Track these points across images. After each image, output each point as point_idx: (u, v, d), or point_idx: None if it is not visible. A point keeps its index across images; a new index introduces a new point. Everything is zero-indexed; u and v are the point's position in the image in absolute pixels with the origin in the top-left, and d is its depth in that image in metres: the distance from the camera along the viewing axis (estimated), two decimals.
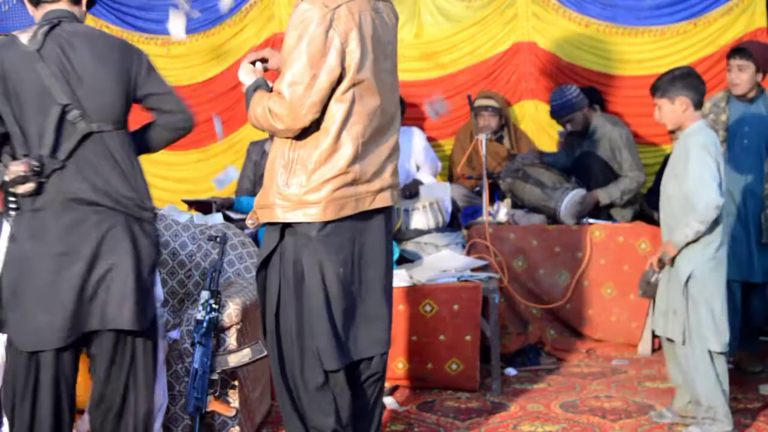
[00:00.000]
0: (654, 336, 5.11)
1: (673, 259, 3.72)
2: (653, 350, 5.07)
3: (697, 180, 3.62)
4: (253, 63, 3.06)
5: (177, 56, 6.29)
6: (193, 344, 3.30)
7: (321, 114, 2.83)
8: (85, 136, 2.89)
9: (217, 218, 4.88)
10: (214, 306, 3.32)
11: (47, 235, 2.87)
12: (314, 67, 2.76)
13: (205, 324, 3.29)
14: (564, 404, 4.22)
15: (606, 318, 5.13)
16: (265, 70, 3.07)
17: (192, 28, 6.34)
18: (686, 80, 3.75)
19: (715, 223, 3.64)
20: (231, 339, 3.47)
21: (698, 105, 3.74)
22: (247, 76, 3.02)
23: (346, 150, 2.85)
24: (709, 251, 3.66)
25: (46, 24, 2.92)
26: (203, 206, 5.18)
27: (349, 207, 2.88)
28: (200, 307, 3.33)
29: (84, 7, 3.06)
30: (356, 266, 2.94)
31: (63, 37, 2.90)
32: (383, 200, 2.97)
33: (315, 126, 2.85)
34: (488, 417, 4.07)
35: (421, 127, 6.19)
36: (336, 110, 2.83)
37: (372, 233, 2.98)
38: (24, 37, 2.89)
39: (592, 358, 5.00)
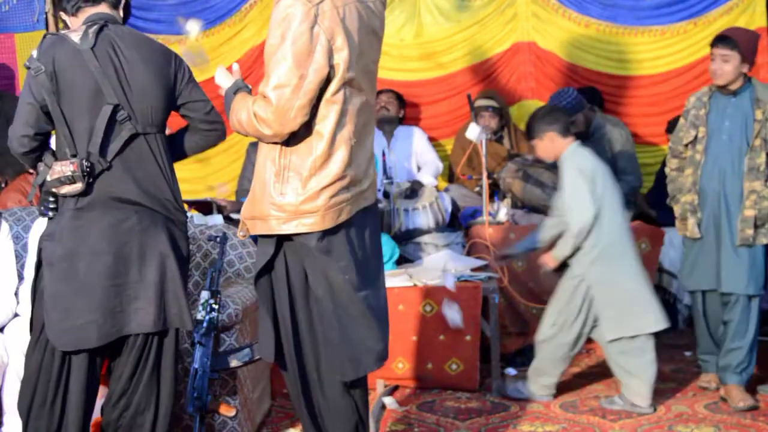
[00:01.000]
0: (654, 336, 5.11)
1: (560, 268, 4.18)
2: None
3: (569, 200, 4.09)
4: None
5: None
6: (193, 344, 3.30)
7: (310, 116, 2.68)
8: (131, 137, 2.89)
9: (217, 218, 4.89)
10: (214, 306, 3.32)
11: (90, 234, 2.86)
12: (301, 67, 2.61)
13: (205, 324, 3.28)
14: (564, 404, 4.22)
15: None
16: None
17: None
18: (545, 117, 4.27)
19: (592, 229, 4.06)
20: (231, 339, 3.47)
21: (564, 132, 4.20)
22: (225, 78, 2.86)
23: (341, 154, 2.71)
24: (595, 252, 4.07)
25: (93, 24, 2.90)
26: (203, 206, 5.18)
27: (345, 212, 2.76)
28: (200, 307, 3.32)
29: (121, 13, 3.05)
30: (361, 270, 2.81)
31: (112, 38, 2.89)
32: (370, 198, 2.87)
33: (306, 130, 2.69)
34: (488, 417, 4.07)
35: (421, 127, 6.19)
36: (328, 112, 2.69)
37: (368, 234, 2.88)
38: (75, 36, 2.87)
39: (592, 358, 5.00)
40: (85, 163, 2.82)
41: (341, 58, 2.66)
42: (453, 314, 4.30)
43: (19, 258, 3.85)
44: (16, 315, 3.71)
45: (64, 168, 2.82)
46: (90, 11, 2.97)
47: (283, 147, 2.72)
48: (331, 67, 2.66)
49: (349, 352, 2.78)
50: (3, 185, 5.30)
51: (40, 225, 3.33)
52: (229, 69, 2.92)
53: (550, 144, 4.22)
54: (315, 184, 2.70)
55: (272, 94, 2.63)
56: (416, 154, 5.92)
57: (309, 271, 2.77)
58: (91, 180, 2.84)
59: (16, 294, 3.73)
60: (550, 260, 4.19)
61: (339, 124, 2.71)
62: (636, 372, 4.06)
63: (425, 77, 6.35)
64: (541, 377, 4.24)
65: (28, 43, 6.18)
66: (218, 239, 3.58)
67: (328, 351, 2.79)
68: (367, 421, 2.92)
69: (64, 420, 2.90)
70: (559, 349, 4.16)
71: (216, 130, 3.13)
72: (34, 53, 2.87)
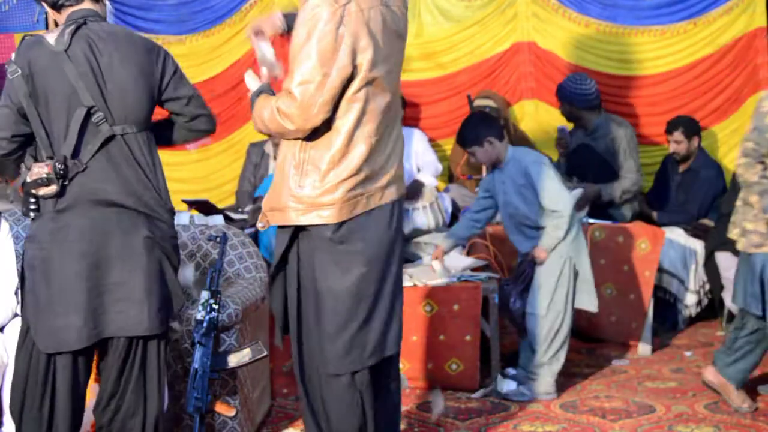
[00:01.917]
0: (654, 335, 5.12)
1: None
2: (653, 350, 5.07)
3: (552, 191, 4.22)
4: (259, 34, 2.98)
5: (177, 56, 6.08)
6: (193, 344, 3.30)
7: (331, 113, 2.77)
8: (108, 139, 2.88)
9: (217, 218, 4.89)
10: (214, 306, 3.31)
11: (69, 236, 2.85)
12: (325, 66, 2.70)
13: (205, 324, 3.28)
14: (564, 404, 4.22)
15: (606, 318, 5.13)
16: (276, 78, 2.99)
17: (192, 28, 6.36)
18: (481, 124, 4.39)
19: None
20: (231, 339, 3.47)
21: (499, 137, 4.33)
22: (253, 81, 2.97)
23: (360, 150, 2.80)
24: (574, 230, 4.30)
25: (73, 23, 2.89)
26: (203, 206, 5.18)
27: (360, 205, 2.83)
28: (200, 307, 3.32)
29: (105, 3, 3.05)
30: (380, 264, 2.88)
31: (90, 37, 2.88)
32: (390, 195, 2.92)
33: (326, 126, 2.78)
34: (488, 417, 4.07)
35: (421, 128, 6.19)
36: (348, 110, 2.77)
37: (387, 229, 2.92)
38: (51, 38, 2.86)
39: (592, 358, 5.00)
40: (58, 165, 2.80)
41: (365, 59, 2.75)
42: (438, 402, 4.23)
43: (19, 258, 3.85)
44: (16, 315, 3.71)
45: (39, 170, 2.82)
46: (71, 9, 2.95)
47: (303, 142, 2.82)
48: (355, 66, 2.75)
49: (357, 343, 2.84)
50: (3, 185, 5.30)
51: None
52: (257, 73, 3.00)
53: (491, 149, 4.33)
54: (333, 177, 2.79)
55: (297, 90, 2.72)
56: (416, 155, 5.92)
57: (325, 264, 2.83)
58: (66, 182, 2.84)
59: (16, 293, 3.73)
60: (542, 253, 4.26)
61: (358, 122, 2.79)
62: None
63: (425, 77, 6.35)
64: (543, 371, 4.29)
65: None
66: (218, 239, 3.58)
67: (338, 342, 2.84)
68: (376, 421, 2.91)
69: (54, 421, 2.89)
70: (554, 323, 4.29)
71: (197, 118, 3.10)
72: (13, 56, 2.88)
